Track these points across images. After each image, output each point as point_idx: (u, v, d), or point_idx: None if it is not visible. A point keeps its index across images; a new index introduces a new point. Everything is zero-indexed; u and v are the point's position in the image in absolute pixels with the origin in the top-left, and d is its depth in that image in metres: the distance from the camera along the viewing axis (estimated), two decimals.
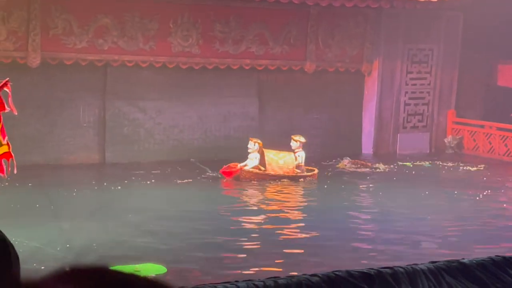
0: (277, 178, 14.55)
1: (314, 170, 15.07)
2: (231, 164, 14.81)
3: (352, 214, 12.23)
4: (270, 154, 14.77)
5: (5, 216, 10.32)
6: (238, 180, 14.43)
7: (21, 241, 9.17)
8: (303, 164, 15.00)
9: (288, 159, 14.76)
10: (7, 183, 12.49)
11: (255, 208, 12.59)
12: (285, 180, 14.54)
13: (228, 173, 14.59)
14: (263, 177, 14.55)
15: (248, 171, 14.60)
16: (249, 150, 14.86)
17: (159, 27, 16.03)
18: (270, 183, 14.34)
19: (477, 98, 19.84)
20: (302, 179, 14.73)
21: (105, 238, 10.12)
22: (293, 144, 15.12)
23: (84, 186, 13.32)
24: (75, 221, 10.91)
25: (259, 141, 14.94)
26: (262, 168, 14.74)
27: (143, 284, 1.16)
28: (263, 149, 14.83)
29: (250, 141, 14.97)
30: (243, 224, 11.35)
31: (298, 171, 14.85)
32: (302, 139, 15.14)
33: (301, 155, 15.00)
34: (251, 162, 14.76)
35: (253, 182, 14.39)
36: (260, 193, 13.76)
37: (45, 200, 12.14)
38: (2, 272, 1.59)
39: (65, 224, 10.66)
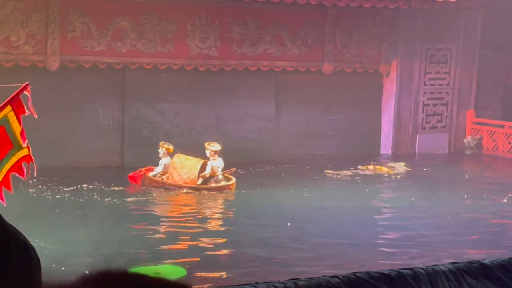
0: (176, 187, 13.61)
1: (231, 179, 13.88)
2: (147, 168, 14.02)
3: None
4: (177, 161, 13.81)
5: (27, 218, 10.37)
6: (145, 185, 13.73)
7: (43, 245, 9.21)
8: (217, 173, 13.80)
9: (192, 168, 13.67)
10: (27, 186, 12.57)
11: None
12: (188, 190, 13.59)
13: (134, 178, 13.79)
14: (162, 185, 13.68)
15: (149, 178, 13.74)
16: (159, 155, 14.01)
17: (177, 30, 16.06)
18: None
19: (496, 98, 19.73)
20: (206, 191, 13.57)
21: (128, 241, 10.15)
22: (207, 152, 13.96)
23: (103, 188, 13.37)
24: (95, 223, 10.95)
25: (168, 146, 13.95)
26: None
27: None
28: (180, 154, 13.96)
29: (159, 147, 14.05)
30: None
31: (199, 182, 13.66)
32: (215, 147, 13.90)
33: (215, 164, 13.82)
34: (158, 168, 13.90)
35: (160, 189, 13.62)
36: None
37: (66, 203, 12.20)
38: (24, 276, 1.59)
39: (85, 227, 10.70)
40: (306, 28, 17.21)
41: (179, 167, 13.74)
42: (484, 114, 19.13)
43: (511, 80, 19.79)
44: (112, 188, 13.46)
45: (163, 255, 9.58)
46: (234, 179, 13.88)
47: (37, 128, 13.98)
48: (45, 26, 14.98)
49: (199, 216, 11.98)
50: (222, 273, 8.76)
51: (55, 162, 14.78)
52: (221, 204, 13.04)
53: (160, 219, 11.77)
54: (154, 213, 12.17)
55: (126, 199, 12.69)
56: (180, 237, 10.53)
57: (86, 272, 1.22)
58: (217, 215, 12.41)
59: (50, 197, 12.53)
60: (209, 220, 11.94)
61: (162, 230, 11.04)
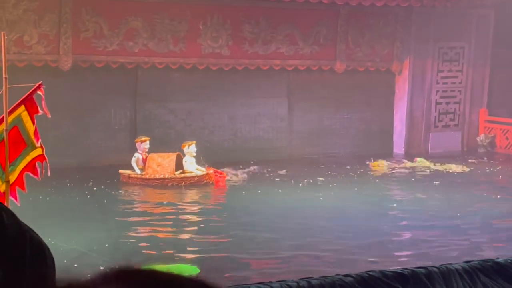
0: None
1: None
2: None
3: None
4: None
5: (40, 218, 10.40)
6: None
7: (55, 242, 9.23)
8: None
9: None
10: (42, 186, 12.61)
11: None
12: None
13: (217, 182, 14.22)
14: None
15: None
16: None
17: (189, 29, 16.07)
18: None
19: (509, 96, 19.61)
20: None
21: (139, 240, 10.17)
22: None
23: (115, 187, 13.41)
24: (107, 222, 10.98)
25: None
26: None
27: (190, 285, 1.15)
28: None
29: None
30: None
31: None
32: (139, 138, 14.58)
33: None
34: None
35: None
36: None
37: (78, 202, 12.24)
38: (39, 275, 1.59)
39: (98, 226, 10.73)
40: (318, 27, 17.18)
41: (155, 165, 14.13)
42: (497, 112, 19.03)
43: None
44: (125, 187, 13.50)
45: (178, 253, 9.60)
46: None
47: (50, 127, 14.01)
48: (57, 26, 15.03)
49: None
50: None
51: (68, 162, 14.79)
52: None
53: (173, 217, 11.78)
54: (165, 211, 12.19)
55: (138, 198, 12.72)
56: (195, 236, 10.55)
57: (101, 269, 1.22)
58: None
59: (63, 197, 12.55)
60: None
61: (175, 228, 11.04)
